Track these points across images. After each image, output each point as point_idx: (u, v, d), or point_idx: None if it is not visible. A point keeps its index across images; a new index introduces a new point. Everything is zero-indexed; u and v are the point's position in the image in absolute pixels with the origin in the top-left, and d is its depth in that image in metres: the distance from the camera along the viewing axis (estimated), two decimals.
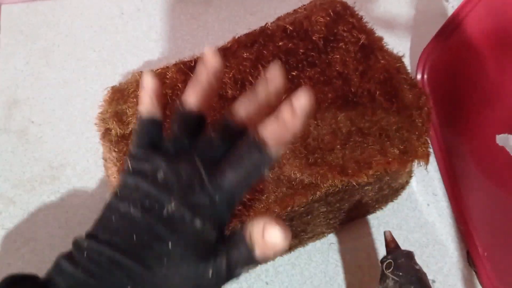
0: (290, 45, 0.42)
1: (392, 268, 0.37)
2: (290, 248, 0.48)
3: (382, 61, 0.42)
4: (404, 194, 0.52)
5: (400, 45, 0.60)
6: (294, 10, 0.46)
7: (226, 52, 0.43)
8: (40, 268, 0.49)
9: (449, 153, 0.52)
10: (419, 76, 0.57)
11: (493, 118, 0.43)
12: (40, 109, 0.55)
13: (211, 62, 0.29)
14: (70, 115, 0.55)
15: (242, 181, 0.27)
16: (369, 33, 0.43)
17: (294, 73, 0.41)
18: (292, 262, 0.48)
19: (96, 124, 0.42)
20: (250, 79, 0.41)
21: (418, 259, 0.48)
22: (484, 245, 0.47)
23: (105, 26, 0.61)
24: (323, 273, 0.48)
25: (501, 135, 0.42)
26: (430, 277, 0.48)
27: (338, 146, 0.38)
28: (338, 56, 0.42)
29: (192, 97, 0.29)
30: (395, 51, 0.59)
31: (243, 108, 0.29)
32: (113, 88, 0.42)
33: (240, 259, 0.26)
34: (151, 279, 0.25)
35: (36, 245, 0.48)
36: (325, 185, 0.37)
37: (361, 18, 0.44)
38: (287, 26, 0.43)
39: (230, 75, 0.41)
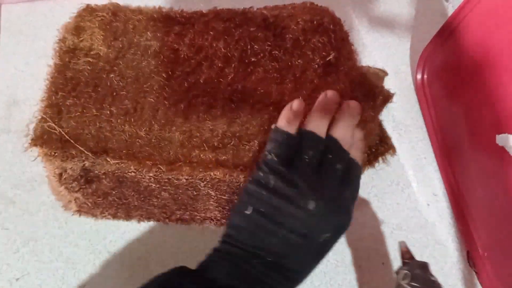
0: (260, 34, 0.43)
1: (408, 279, 0.37)
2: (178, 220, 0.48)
3: (340, 85, 0.41)
4: (404, 194, 0.52)
5: (401, 45, 0.60)
6: (284, 5, 0.46)
7: (200, 17, 0.44)
8: (40, 268, 0.49)
9: (449, 153, 0.52)
10: (419, 76, 0.57)
11: (493, 118, 0.43)
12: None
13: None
14: None
15: (355, 197, 0.38)
16: (346, 55, 0.43)
17: (252, 59, 0.42)
18: None
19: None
20: (207, 48, 0.42)
21: (418, 259, 0.48)
22: (484, 245, 0.47)
23: None
24: (323, 273, 0.48)
25: (501, 135, 0.42)
26: None
27: (251, 143, 0.38)
28: (300, 62, 0.41)
29: (322, 126, 0.37)
30: (395, 51, 0.60)
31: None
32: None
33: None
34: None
35: (36, 245, 0.48)
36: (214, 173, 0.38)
37: (344, 37, 0.44)
38: (268, 16, 0.44)
39: (191, 37, 0.42)
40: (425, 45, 0.55)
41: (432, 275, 0.38)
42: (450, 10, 0.63)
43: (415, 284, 0.37)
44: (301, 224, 0.34)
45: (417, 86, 0.57)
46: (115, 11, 0.44)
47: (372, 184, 0.52)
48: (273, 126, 0.37)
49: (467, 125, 0.48)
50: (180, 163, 0.37)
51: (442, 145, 0.53)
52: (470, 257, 0.49)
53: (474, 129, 0.47)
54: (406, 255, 0.41)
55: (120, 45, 0.43)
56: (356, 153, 0.38)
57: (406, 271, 0.38)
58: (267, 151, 0.35)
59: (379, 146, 0.48)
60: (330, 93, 0.37)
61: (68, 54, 0.42)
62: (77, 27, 0.44)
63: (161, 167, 0.37)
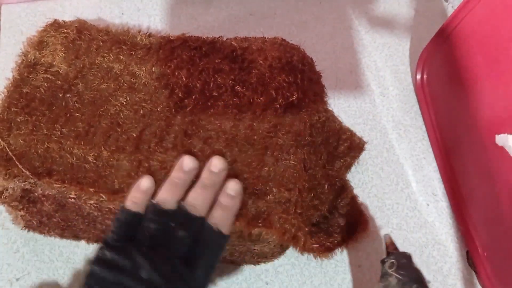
0: (225, 66, 0.41)
1: (395, 267, 0.38)
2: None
3: (297, 127, 0.39)
4: (403, 194, 0.52)
5: (400, 45, 0.61)
6: (255, 38, 0.45)
7: (166, 43, 0.43)
8: (40, 268, 0.49)
9: (449, 153, 0.52)
10: (418, 76, 0.57)
11: (493, 118, 0.43)
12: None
13: (188, 166, 0.37)
14: None
15: (212, 264, 0.35)
16: (311, 97, 0.42)
17: (214, 93, 0.40)
18: (292, 262, 0.49)
19: None
20: (169, 76, 0.41)
21: (418, 259, 0.48)
22: (484, 245, 0.47)
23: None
24: (323, 273, 0.48)
25: (501, 135, 0.42)
26: (430, 277, 0.48)
27: None
28: (262, 100, 0.40)
29: (170, 197, 0.36)
30: (394, 51, 0.60)
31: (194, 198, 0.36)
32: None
33: None
34: None
35: (36, 245, 0.48)
36: None
37: (314, 78, 0.43)
38: (237, 48, 0.43)
39: (154, 63, 0.42)
40: (425, 45, 0.55)
41: (415, 266, 0.39)
42: (450, 10, 0.63)
43: (401, 272, 0.37)
44: None
45: (417, 86, 0.57)
46: (81, 29, 0.43)
47: (371, 184, 0.52)
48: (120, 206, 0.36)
49: (466, 125, 0.48)
50: (123, 194, 0.36)
51: (441, 145, 0.53)
52: (470, 257, 0.49)
53: (473, 129, 0.47)
54: (391, 246, 0.42)
55: (81, 65, 0.42)
56: (220, 214, 0.36)
57: (392, 260, 0.38)
58: (110, 231, 0.35)
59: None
60: (186, 160, 0.37)
61: (28, 68, 0.42)
62: (40, 42, 0.43)
63: (103, 196, 0.36)
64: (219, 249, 0.36)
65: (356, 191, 0.52)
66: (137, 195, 0.36)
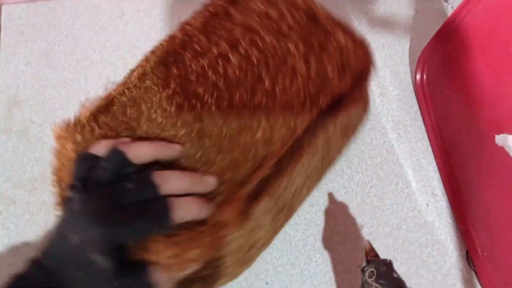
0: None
1: (374, 276, 0.38)
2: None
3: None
4: (403, 194, 0.52)
5: (400, 45, 0.61)
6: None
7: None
8: None
9: (448, 153, 0.53)
10: (418, 76, 0.57)
11: (493, 118, 0.43)
12: (41, 109, 0.56)
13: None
14: (70, 115, 0.55)
15: (143, 232, 0.32)
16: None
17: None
18: (292, 262, 0.49)
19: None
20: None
21: (418, 259, 0.48)
22: (484, 245, 0.47)
23: (106, 26, 0.61)
24: (323, 273, 0.48)
25: (501, 135, 0.42)
26: (430, 276, 0.48)
27: None
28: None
29: (141, 153, 0.35)
30: (394, 51, 0.60)
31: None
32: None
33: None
34: None
35: (37, 245, 0.48)
36: None
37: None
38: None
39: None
40: (425, 45, 0.55)
41: (395, 272, 0.39)
42: (450, 10, 0.63)
43: (381, 281, 0.37)
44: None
45: (416, 86, 0.57)
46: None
47: (371, 184, 0.52)
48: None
49: (466, 125, 0.48)
50: None
51: (441, 145, 0.54)
52: (470, 257, 0.49)
53: (473, 129, 0.47)
54: (371, 253, 0.41)
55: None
56: (190, 205, 0.34)
57: (372, 269, 0.38)
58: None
59: None
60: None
61: None
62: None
63: None
64: (156, 227, 0.33)
65: (356, 191, 0.52)
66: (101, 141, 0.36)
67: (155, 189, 0.33)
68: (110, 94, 0.41)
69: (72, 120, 0.40)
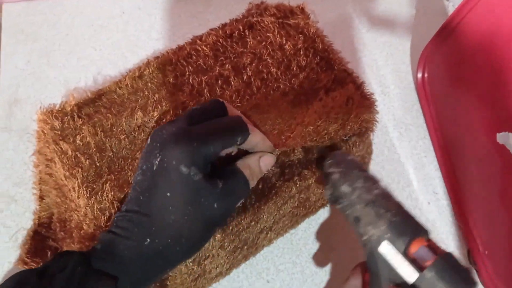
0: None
1: (334, 164, 0.38)
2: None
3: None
4: (404, 193, 0.52)
5: (401, 44, 0.61)
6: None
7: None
8: None
9: (449, 151, 0.53)
10: (419, 75, 0.57)
11: (494, 117, 0.43)
12: (37, 111, 0.55)
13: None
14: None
15: (219, 138, 0.32)
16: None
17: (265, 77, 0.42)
18: (293, 260, 0.49)
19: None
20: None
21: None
22: (485, 243, 0.47)
23: (106, 25, 0.61)
24: (324, 272, 0.48)
25: (502, 134, 0.42)
26: None
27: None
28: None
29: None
30: (395, 50, 0.60)
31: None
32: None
33: (238, 187, 0.33)
34: (155, 224, 0.30)
35: None
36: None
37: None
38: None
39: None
40: (426, 44, 0.55)
41: (349, 155, 0.39)
42: (451, 9, 0.63)
43: (341, 166, 0.37)
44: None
45: (418, 85, 0.57)
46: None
47: None
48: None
49: (467, 124, 0.48)
50: None
51: (442, 144, 0.54)
52: (471, 255, 0.49)
53: (474, 127, 0.47)
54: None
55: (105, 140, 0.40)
56: (249, 163, 0.35)
57: (330, 160, 0.38)
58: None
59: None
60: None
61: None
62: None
63: None
64: (234, 136, 0.33)
65: None
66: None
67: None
68: (100, 89, 0.41)
69: (57, 106, 0.40)
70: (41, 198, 0.46)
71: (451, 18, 0.50)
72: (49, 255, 0.44)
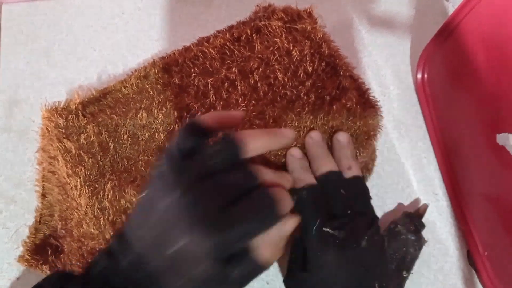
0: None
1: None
2: None
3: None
4: (404, 194, 0.52)
5: (401, 44, 0.60)
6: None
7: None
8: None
9: (449, 152, 0.52)
10: (419, 76, 0.57)
11: (494, 117, 0.43)
12: (41, 108, 0.55)
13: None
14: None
15: (248, 234, 0.29)
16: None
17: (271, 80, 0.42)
18: None
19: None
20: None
21: (419, 258, 0.48)
22: (485, 244, 0.47)
23: (106, 25, 0.61)
24: None
25: (501, 135, 0.42)
26: (431, 276, 0.48)
27: None
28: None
29: (258, 144, 0.31)
30: (395, 51, 0.60)
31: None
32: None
33: (253, 274, 0.30)
34: None
35: None
36: None
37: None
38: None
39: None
40: (425, 44, 0.55)
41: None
42: (451, 9, 0.63)
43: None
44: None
45: (417, 86, 0.57)
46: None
47: (372, 184, 0.52)
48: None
49: (467, 124, 0.48)
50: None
51: (442, 144, 0.53)
52: (471, 256, 0.49)
53: (474, 128, 0.47)
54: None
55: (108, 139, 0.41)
56: (283, 196, 0.31)
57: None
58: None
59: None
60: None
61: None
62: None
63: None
64: (264, 227, 0.30)
65: None
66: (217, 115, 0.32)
67: (256, 181, 0.31)
68: (105, 88, 0.42)
69: (62, 103, 0.40)
70: (43, 195, 0.46)
71: (451, 19, 0.49)
72: (49, 252, 0.44)
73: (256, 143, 0.31)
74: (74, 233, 0.39)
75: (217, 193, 0.29)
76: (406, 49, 0.60)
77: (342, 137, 0.39)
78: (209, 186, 0.29)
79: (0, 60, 0.58)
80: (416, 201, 0.51)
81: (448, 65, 0.52)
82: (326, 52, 0.43)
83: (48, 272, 0.44)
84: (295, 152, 0.39)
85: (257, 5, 0.46)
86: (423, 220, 0.49)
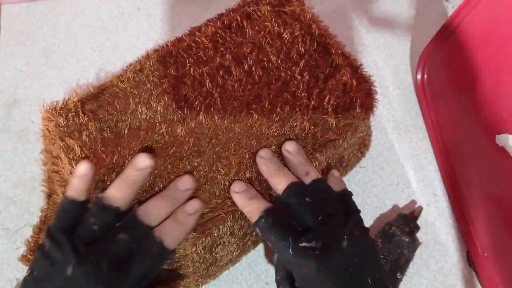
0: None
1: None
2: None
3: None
4: (404, 194, 0.52)
5: (401, 45, 0.60)
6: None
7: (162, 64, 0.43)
8: None
9: (449, 153, 0.52)
10: (419, 76, 0.57)
11: (493, 118, 0.43)
12: (40, 109, 0.55)
13: (142, 163, 0.36)
14: None
15: (146, 274, 0.34)
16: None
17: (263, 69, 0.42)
18: None
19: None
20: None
21: (418, 259, 0.48)
22: (484, 245, 0.47)
23: (105, 26, 0.61)
24: None
25: (501, 135, 0.42)
26: (430, 276, 0.48)
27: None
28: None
29: (118, 194, 0.35)
30: (395, 51, 0.60)
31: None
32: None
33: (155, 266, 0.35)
34: None
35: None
36: None
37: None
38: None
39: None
40: (425, 45, 0.55)
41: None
42: (450, 10, 0.63)
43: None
44: None
45: (417, 86, 0.57)
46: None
47: (371, 184, 0.52)
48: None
49: (467, 125, 0.48)
50: None
51: (442, 145, 0.53)
52: (470, 257, 0.49)
53: (474, 128, 0.47)
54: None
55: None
56: (169, 227, 0.35)
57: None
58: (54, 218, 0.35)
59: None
60: (140, 157, 0.36)
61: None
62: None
63: None
64: (158, 262, 0.35)
65: (356, 191, 0.52)
66: (75, 181, 0.35)
67: (145, 228, 0.35)
68: (102, 84, 0.42)
69: (60, 103, 0.40)
70: (49, 195, 0.47)
71: (451, 19, 0.49)
72: None
73: (118, 193, 0.35)
74: None
75: (106, 256, 0.33)
76: (406, 49, 0.60)
77: (290, 147, 0.38)
78: (97, 253, 0.33)
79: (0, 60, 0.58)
80: (412, 202, 0.51)
81: (448, 66, 0.52)
82: (317, 32, 0.44)
83: None
84: (236, 187, 0.38)
85: None
86: (418, 222, 0.49)
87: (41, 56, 0.59)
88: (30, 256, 0.45)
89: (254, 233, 0.44)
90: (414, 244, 0.46)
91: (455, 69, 0.50)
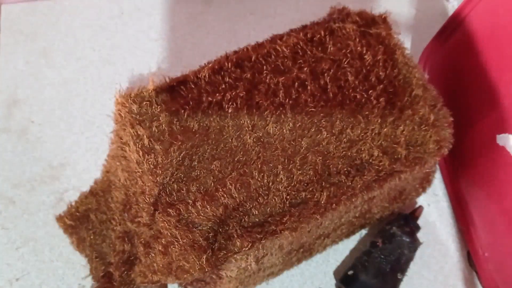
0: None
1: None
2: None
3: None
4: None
5: None
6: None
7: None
8: (40, 268, 0.49)
9: (449, 153, 0.52)
10: None
11: (493, 118, 0.43)
12: (40, 108, 0.55)
13: None
14: (70, 115, 0.55)
15: None
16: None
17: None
18: None
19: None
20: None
21: (419, 259, 0.48)
22: (485, 245, 0.47)
23: (105, 25, 0.61)
24: (323, 273, 0.48)
25: (501, 135, 0.42)
26: (430, 276, 0.48)
27: None
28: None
29: None
30: None
31: None
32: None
33: None
34: None
35: (36, 245, 0.48)
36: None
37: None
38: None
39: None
40: (426, 44, 0.55)
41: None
42: (451, 10, 0.63)
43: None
44: None
45: None
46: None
47: None
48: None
49: (467, 125, 0.48)
50: None
51: None
52: (470, 257, 0.49)
53: (474, 128, 0.47)
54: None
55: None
56: None
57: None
58: None
59: None
60: None
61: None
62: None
63: None
64: None
65: None
66: None
67: None
68: (178, 77, 0.41)
69: (136, 90, 0.40)
70: (107, 171, 0.47)
71: (451, 19, 0.49)
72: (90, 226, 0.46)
73: None
74: (140, 219, 0.40)
75: None
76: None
77: None
78: None
79: None
80: (412, 202, 0.51)
81: (449, 65, 0.51)
82: (400, 59, 0.43)
83: (75, 244, 0.46)
84: None
85: (332, 7, 0.46)
86: (419, 222, 0.49)
87: (40, 55, 0.59)
88: (66, 220, 0.46)
89: (301, 250, 0.44)
90: (414, 244, 0.46)
91: (456, 68, 0.50)
